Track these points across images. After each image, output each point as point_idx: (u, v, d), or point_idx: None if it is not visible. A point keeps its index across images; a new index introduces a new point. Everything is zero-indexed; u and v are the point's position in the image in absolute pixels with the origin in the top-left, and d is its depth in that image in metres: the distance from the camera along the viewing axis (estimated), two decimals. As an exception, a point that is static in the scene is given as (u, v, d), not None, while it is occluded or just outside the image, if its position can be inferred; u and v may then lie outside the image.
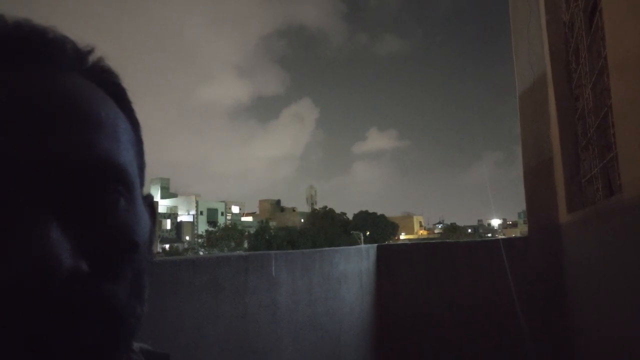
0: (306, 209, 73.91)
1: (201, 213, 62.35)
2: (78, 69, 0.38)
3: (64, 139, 0.32)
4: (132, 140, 0.40)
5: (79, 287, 0.31)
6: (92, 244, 0.33)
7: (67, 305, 0.30)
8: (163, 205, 61.88)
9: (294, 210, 72.47)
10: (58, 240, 0.30)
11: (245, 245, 40.38)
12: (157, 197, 63.39)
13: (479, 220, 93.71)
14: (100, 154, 0.34)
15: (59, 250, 0.30)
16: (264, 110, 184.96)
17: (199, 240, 44.44)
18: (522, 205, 4.77)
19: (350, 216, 53.52)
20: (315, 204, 79.71)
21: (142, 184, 0.42)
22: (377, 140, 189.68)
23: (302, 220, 61.25)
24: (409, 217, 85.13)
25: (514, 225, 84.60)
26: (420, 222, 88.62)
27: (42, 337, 0.30)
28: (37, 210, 0.31)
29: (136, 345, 0.45)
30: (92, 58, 0.39)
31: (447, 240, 4.95)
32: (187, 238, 55.52)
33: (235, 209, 68.65)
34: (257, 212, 74.25)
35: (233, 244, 40.21)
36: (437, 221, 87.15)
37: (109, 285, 0.34)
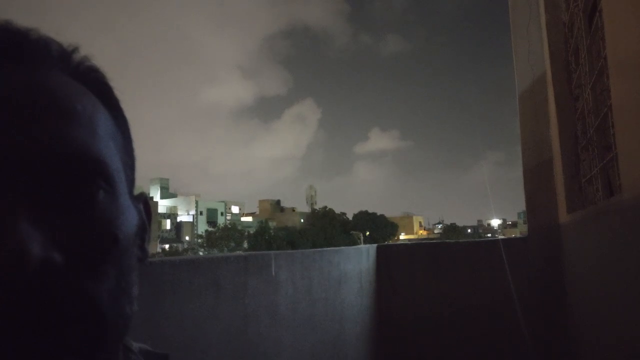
0: (306, 209, 73.91)
1: (201, 213, 62.33)
2: (62, 68, 0.38)
3: (37, 131, 0.32)
4: (114, 135, 0.39)
5: (54, 280, 0.30)
6: (68, 236, 0.32)
7: (42, 299, 0.30)
8: (163, 205, 61.83)
9: (293, 211, 72.45)
10: (26, 231, 0.29)
11: (245, 245, 40.39)
12: (156, 197, 63.44)
13: (478, 221, 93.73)
14: (75, 145, 0.33)
15: (27, 240, 0.29)
16: (266, 110, 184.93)
17: (199, 241, 44.45)
18: (522, 205, 4.76)
19: (350, 216, 53.57)
20: (315, 204, 79.65)
21: (131, 182, 0.42)
22: (379, 141, 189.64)
23: (302, 221, 61.26)
24: (408, 217, 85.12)
25: (514, 225, 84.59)
26: (420, 222, 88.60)
27: (17, 332, 0.29)
28: (4, 202, 0.30)
29: (135, 345, 0.45)
30: (76, 57, 0.39)
31: (447, 240, 4.95)
32: (187, 238, 55.51)
33: (235, 209, 68.64)
34: (257, 212, 74.24)
35: (233, 244, 40.22)
36: (437, 221, 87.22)
37: (90, 281, 0.33)
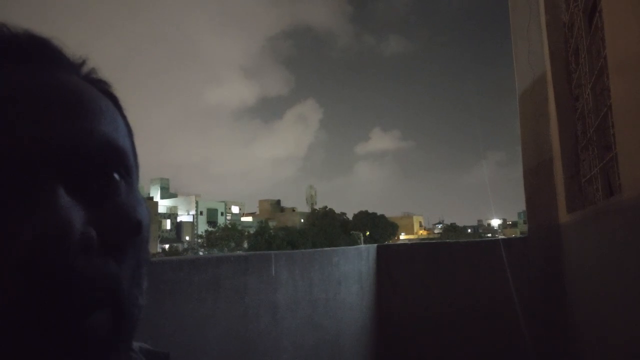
0: (306, 209, 73.86)
1: (201, 213, 62.30)
2: (75, 74, 0.39)
3: (68, 124, 0.33)
4: (128, 135, 0.41)
5: (89, 261, 0.31)
6: (97, 220, 0.33)
7: (79, 279, 0.30)
8: (163, 205, 61.81)
9: (293, 211, 72.42)
10: (68, 206, 0.30)
11: (245, 245, 40.35)
12: (157, 197, 63.43)
13: (478, 221, 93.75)
14: (102, 137, 0.35)
15: (69, 215, 0.30)
16: (268, 110, 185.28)
17: (199, 241, 44.43)
18: (522, 205, 4.75)
19: (350, 216, 53.54)
20: (315, 204, 79.67)
21: (136, 180, 0.43)
22: (380, 141, 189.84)
23: (302, 221, 61.21)
24: (409, 217, 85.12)
25: (514, 225, 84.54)
26: (420, 222, 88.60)
27: (54, 312, 0.29)
28: (45, 182, 0.31)
29: (136, 344, 0.45)
30: (85, 69, 0.41)
31: (447, 240, 4.95)
32: (187, 238, 55.49)
33: (235, 209, 68.61)
34: (257, 213, 74.20)
35: (233, 244, 40.19)
36: (437, 221, 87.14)
37: (115, 266, 0.34)
